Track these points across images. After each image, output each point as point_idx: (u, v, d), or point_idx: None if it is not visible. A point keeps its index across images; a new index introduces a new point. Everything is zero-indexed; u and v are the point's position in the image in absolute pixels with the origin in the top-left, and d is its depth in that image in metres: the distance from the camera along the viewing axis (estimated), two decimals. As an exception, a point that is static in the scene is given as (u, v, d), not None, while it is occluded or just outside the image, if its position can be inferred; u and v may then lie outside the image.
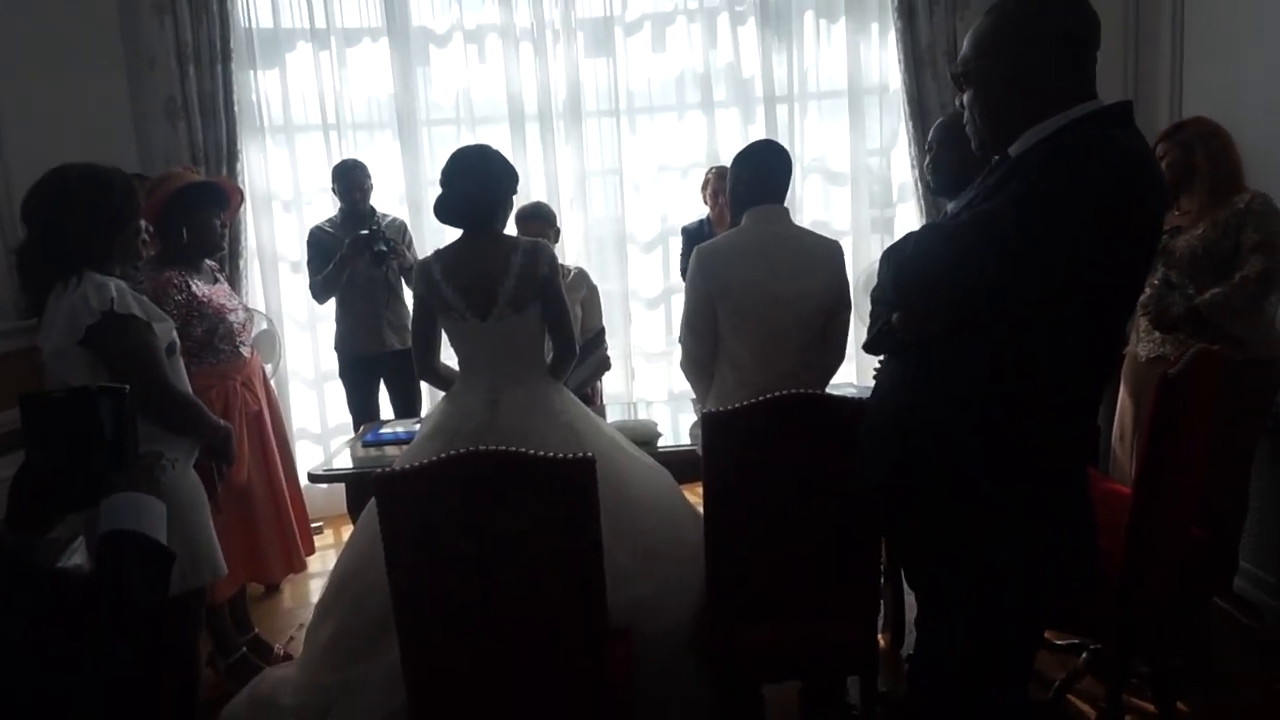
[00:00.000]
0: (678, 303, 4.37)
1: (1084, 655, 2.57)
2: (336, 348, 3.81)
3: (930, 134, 2.41)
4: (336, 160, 4.05)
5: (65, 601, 1.06)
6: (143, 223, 2.14)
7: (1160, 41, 3.51)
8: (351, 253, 3.51)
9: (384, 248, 3.52)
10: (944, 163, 2.31)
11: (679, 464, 2.48)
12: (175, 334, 2.12)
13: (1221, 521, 2.63)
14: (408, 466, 1.69)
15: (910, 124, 4.03)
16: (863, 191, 4.37)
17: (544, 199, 3.97)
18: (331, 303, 3.75)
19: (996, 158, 1.54)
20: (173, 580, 1.95)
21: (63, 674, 0.99)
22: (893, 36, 4.03)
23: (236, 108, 3.93)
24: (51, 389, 1.25)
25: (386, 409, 3.87)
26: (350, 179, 3.66)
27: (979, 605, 1.51)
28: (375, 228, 3.53)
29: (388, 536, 1.65)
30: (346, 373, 3.81)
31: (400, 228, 3.80)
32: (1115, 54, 3.59)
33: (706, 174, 4.09)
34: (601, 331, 3.19)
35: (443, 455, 1.67)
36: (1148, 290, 2.65)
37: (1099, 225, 1.32)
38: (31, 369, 3.17)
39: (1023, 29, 1.43)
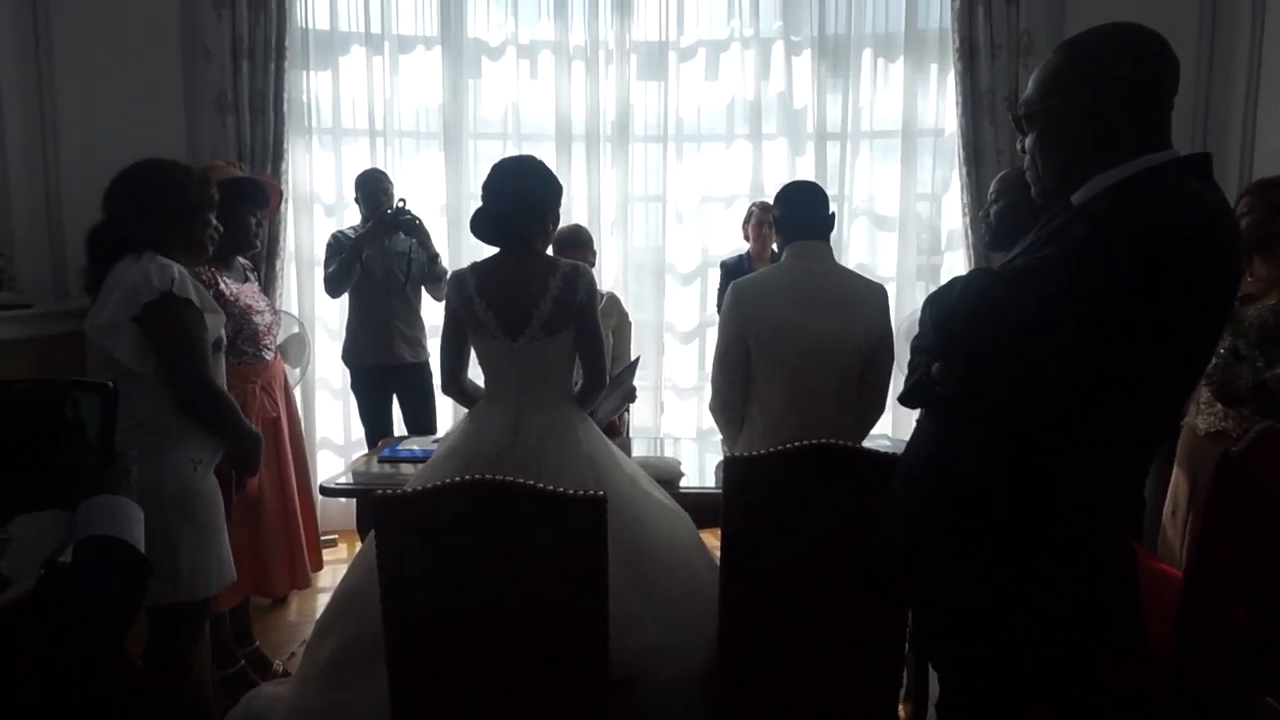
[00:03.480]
0: (713, 337, 4.28)
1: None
2: (344, 358, 3.77)
3: (992, 186, 2.31)
4: (381, 166, 4.05)
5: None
6: (212, 217, 2.16)
7: (1233, 92, 3.38)
8: (378, 229, 3.48)
9: (413, 218, 3.50)
10: (1002, 216, 2.21)
11: (701, 507, 2.36)
12: (224, 330, 2.12)
13: (1276, 613, 2.45)
14: (408, 490, 1.60)
15: (964, 169, 3.92)
16: (910, 237, 4.26)
17: (585, 222, 3.90)
18: (347, 313, 3.71)
19: (1057, 206, 1.43)
20: (181, 587, 1.94)
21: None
22: (952, 78, 3.94)
23: (286, 107, 3.93)
24: (14, 380, 1.20)
25: (401, 423, 3.81)
26: (376, 184, 3.64)
27: (1009, 690, 1.39)
28: (401, 203, 3.52)
29: (384, 562, 1.57)
30: (357, 385, 3.76)
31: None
32: (1186, 102, 3.45)
33: (750, 207, 4.01)
34: (636, 361, 3.10)
35: (450, 480, 1.59)
36: (1213, 360, 2.50)
37: (1167, 282, 1.21)
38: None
39: (1094, 68, 1.33)
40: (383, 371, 3.66)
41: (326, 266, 3.63)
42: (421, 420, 3.72)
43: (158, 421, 1.96)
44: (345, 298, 3.69)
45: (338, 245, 3.61)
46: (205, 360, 2.01)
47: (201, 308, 1.99)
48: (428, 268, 3.66)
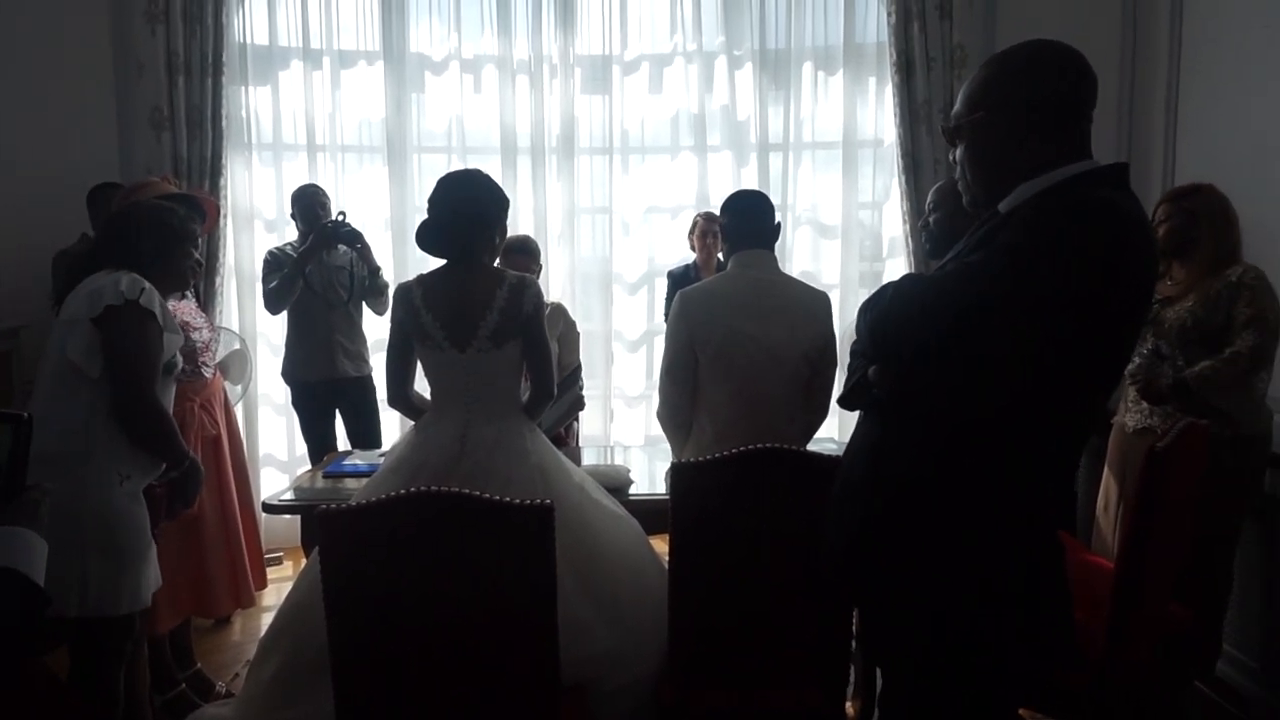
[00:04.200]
0: (660, 345, 4.31)
1: (1058, 734, 2.46)
2: (284, 374, 3.70)
3: (930, 196, 2.38)
4: (323, 181, 4.01)
5: None
6: (193, 249, 2.22)
7: (1154, 105, 3.52)
8: (318, 242, 3.44)
9: (353, 230, 3.48)
10: (940, 226, 2.27)
11: (650, 513, 2.38)
12: (178, 355, 2.13)
13: (1204, 602, 2.55)
14: (351, 504, 1.59)
15: (904, 178, 4.01)
16: (853, 245, 4.34)
17: (531, 234, 3.91)
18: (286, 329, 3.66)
19: (986, 214, 1.48)
20: (86, 603, 1.89)
21: None
22: (889, 91, 4.03)
23: (224, 122, 3.87)
24: None
25: (344, 439, 3.76)
26: (312, 199, 3.60)
27: (947, 680, 1.43)
28: (340, 215, 3.50)
29: (328, 578, 1.55)
30: (299, 401, 3.70)
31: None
32: (1109, 116, 3.59)
33: (695, 218, 4.06)
34: (578, 369, 3.11)
35: (395, 492, 1.58)
36: (1136, 360, 2.60)
37: (1086, 286, 1.26)
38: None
39: (1017, 84, 1.39)
40: (325, 386, 3.60)
41: (265, 283, 3.57)
42: (365, 435, 3.67)
43: (89, 428, 1.94)
44: (284, 314, 3.64)
45: (275, 261, 3.55)
46: (153, 374, 2.01)
47: (163, 326, 2.03)
48: (369, 281, 3.62)
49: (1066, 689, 1.97)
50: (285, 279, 3.47)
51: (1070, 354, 1.32)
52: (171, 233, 2.14)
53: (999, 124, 1.40)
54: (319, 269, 3.54)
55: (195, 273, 2.26)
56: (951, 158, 1.55)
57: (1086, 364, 1.35)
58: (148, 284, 2.02)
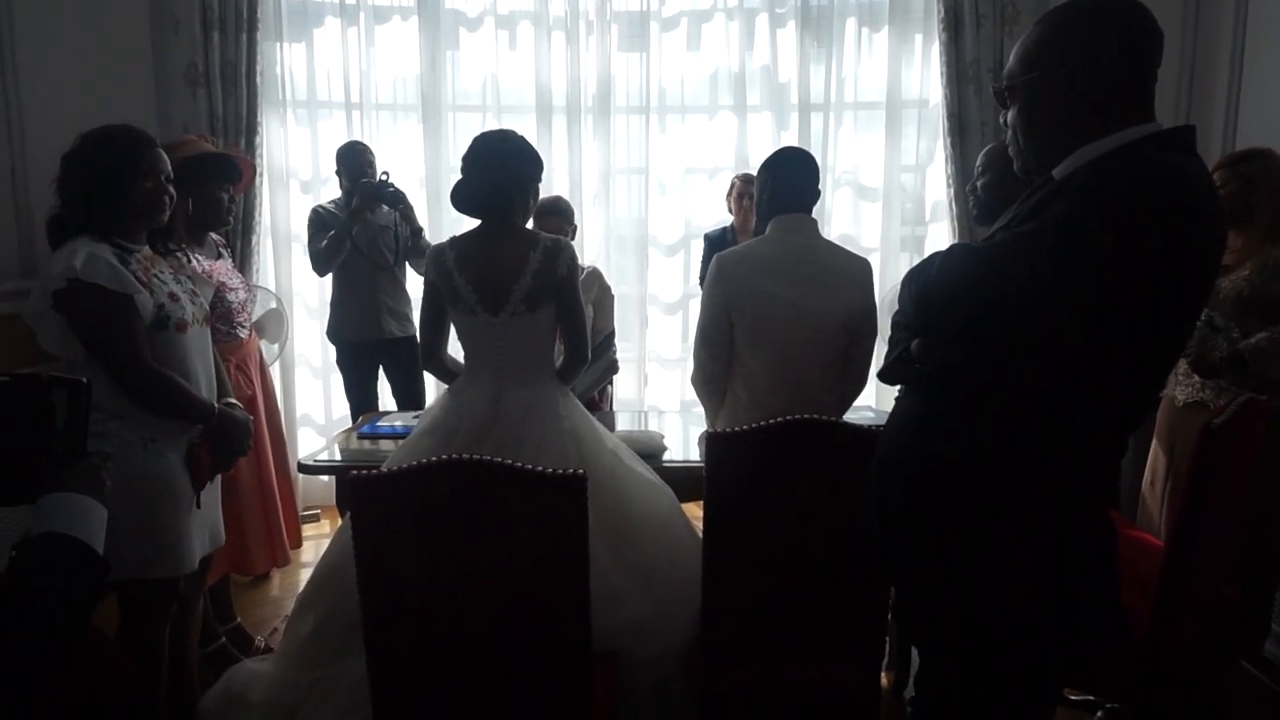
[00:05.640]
0: (696, 309, 4.26)
1: (1099, 714, 2.43)
2: (330, 335, 3.71)
3: (978, 160, 2.29)
4: (358, 140, 3.98)
5: None
6: (165, 185, 2.00)
7: (1218, 62, 3.35)
8: (363, 202, 3.42)
9: (397, 191, 3.45)
10: (988, 191, 2.18)
11: (684, 480, 2.36)
12: (176, 308, 2.00)
13: (1254, 581, 2.48)
14: (386, 470, 1.58)
15: (949, 140, 3.89)
16: (894, 208, 4.23)
17: (566, 195, 3.86)
18: (330, 288, 3.66)
19: (1039, 180, 1.41)
20: (128, 567, 1.89)
21: None
22: (936, 49, 3.90)
23: (259, 79, 3.84)
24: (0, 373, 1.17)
25: (387, 399, 3.77)
26: (359, 157, 3.58)
27: (987, 661, 1.39)
28: (384, 175, 3.47)
29: (360, 541, 1.55)
30: (344, 361, 3.71)
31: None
32: (1169, 77, 3.43)
33: (733, 180, 3.97)
34: (611, 334, 3.08)
35: (428, 459, 1.57)
36: (1191, 331, 2.50)
37: (1149, 257, 1.19)
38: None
39: (1075, 40, 1.30)
40: (370, 346, 3.61)
41: (312, 244, 3.55)
42: (409, 395, 3.69)
43: (104, 402, 1.90)
44: (327, 276, 3.64)
45: (320, 221, 3.54)
46: (128, 343, 1.90)
47: (121, 289, 1.87)
48: (411, 242, 3.60)
49: (1110, 669, 1.93)
50: (333, 239, 3.46)
51: (1128, 330, 1.25)
52: (104, 175, 1.92)
53: (1055, 84, 1.33)
54: (364, 229, 3.53)
55: (160, 204, 2.00)
56: (1002, 120, 1.48)
57: (1145, 341, 1.29)
58: (84, 250, 1.86)
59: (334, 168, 3.68)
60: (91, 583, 1.07)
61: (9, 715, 0.93)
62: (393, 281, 3.61)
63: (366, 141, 3.91)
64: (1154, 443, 2.76)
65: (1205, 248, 1.26)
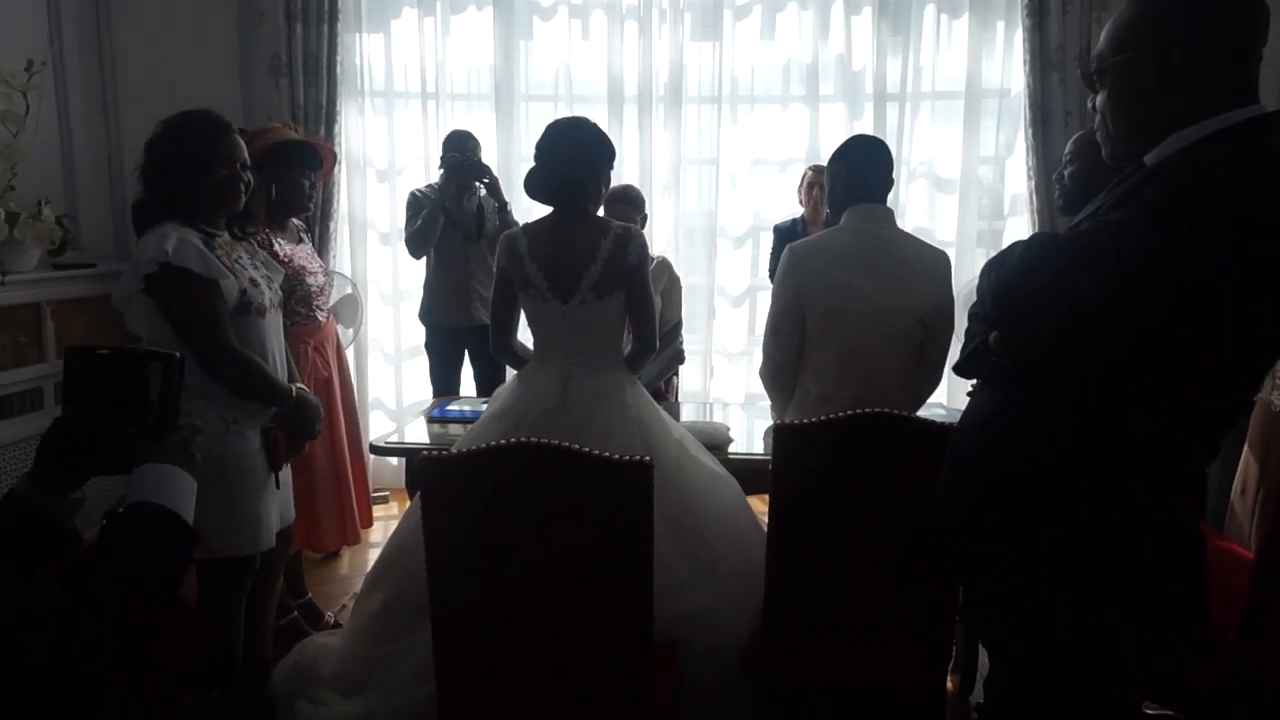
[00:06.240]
0: (764, 301, 4.21)
1: (1177, 728, 2.33)
2: (422, 317, 3.76)
3: (1066, 148, 2.21)
4: (433, 129, 4.05)
5: (68, 563, 1.00)
6: (241, 172, 2.04)
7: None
8: (449, 176, 3.46)
9: (481, 163, 3.48)
10: (1075, 181, 2.11)
11: (749, 473, 2.34)
12: (257, 293, 2.05)
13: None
14: (454, 451, 1.60)
15: (1030, 132, 3.77)
16: (971, 201, 4.12)
17: (636, 184, 3.86)
18: (419, 275, 3.72)
19: (1129, 168, 1.35)
20: (208, 544, 1.91)
21: (48, 631, 0.94)
22: (1019, 36, 3.78)
23: (339, 69, 3.94)
24: (99, 345, 1.21)
25: (468, 384, 3.82)
26: (464, 144, 3.59)
27: (1061, 670, 1.34)
28: (469, 148, 3.50)
29: (429, 523, 1.57)
30: (432, 343, 3.75)
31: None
32: (1272, 52, 3.25)
33: (805, 171, 3.92)
34: (678, 324, 3.07)
35: (497, 442, 1.59)
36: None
37: (1248, 247, 1.13)
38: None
39: (1172, 19, 1.23)
40: (459, 332, 3.66)
41: (408, 225, 3.59)
42: (493, 383, 3.69)
43: (190, 383, 1.93)
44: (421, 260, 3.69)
45: (418, 203, 3.58)
46: (215, 326, 1.95)
47: (208, 274, 1.93)
48: (499, 216, 3.61)
49: (1192, 682, 1.85)
50: (426, 220, 3.50)
51: (1223, 328, 1.19)
52: (180, 162, 1.95)
53: (1148, 66, 1.26)
54: (456, 213, 3.57)
55: (235, 191, 2.02)
56: (1091, 105, 1.41)
57: (1241, 338, 1.22)
58: (174, 236, 1.91)
59: (419, 155, 3.72)
60: (181, 552, 1.11)
61: (101, 679, 0.97)
62: (483, 266, 3.62)
63: (439, 130, 3.97)
64: (1245, 449, 2.63)
65: None
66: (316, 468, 2.77)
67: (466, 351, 3.74)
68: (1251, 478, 2.57)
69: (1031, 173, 3.79)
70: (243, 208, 2.10)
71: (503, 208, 3.62)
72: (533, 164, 2.24)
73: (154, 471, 1.13)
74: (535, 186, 2.24)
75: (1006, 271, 1.33)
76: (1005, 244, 3.98)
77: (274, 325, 2.14)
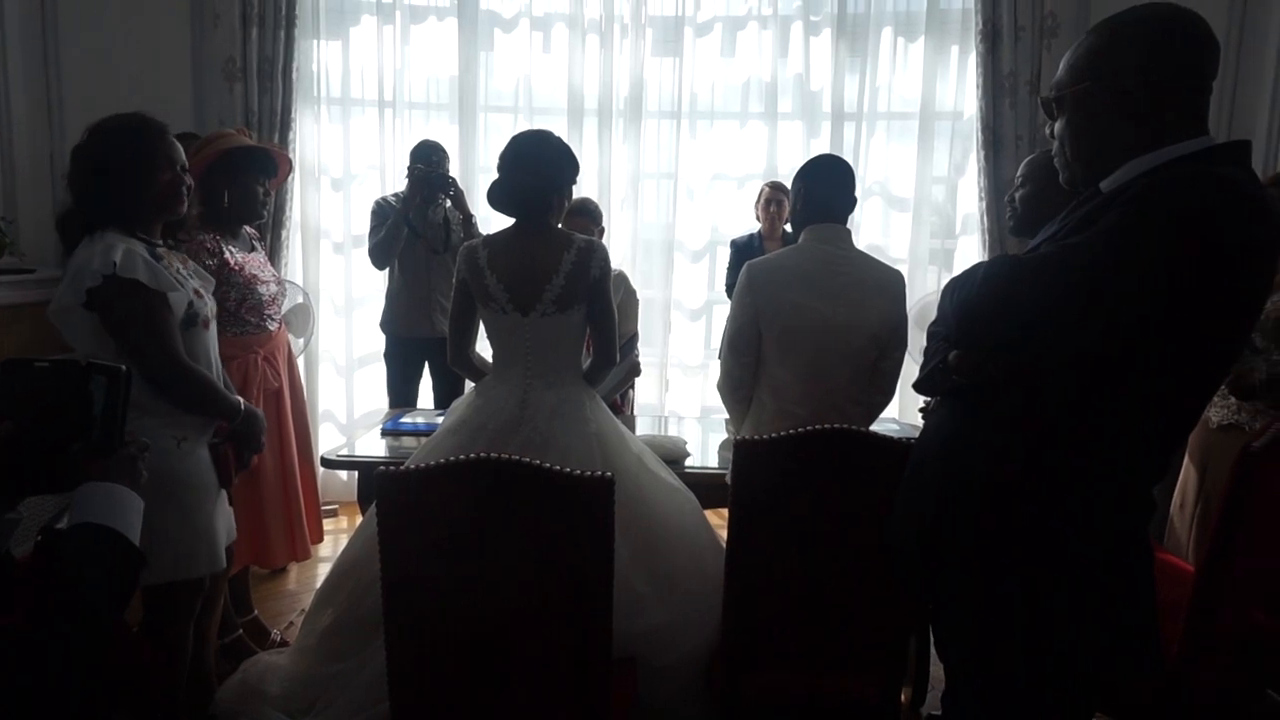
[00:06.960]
0: (720, 315, 4.24)
1: (1122, 739, 2.38)
2: (383, 326, 3.69)
3: (1019, 169, 2.25)
4: (390, 138, 4.00)
5: (4, 587, 0.96)
6: (182, 175, 1.95)
7: (1263, 76, 3.30)
8: (413, 188, 3.41)
9: (446, 174, 3.44)
10: (1026, 203, 2.15)
11: (705, 487, 2.34)
12: (201, 305, 1.98)
13: (1286, 609, 2.42)
14: (412, 467, 1.57)
15: (982, 154, 3.86)
16: (924, 220, 4.20)
17: (595, 197, 3.86)
18: (373, 284, 3.66)
19: (1086, 193, 1.38)
20: (165, 568, 1.86)
21: None
22: (973, 61, 3.87)
23: (295, 75, 3.88)
24: (38, 357, 1.15)
25: (426, 397, 3.76)
26: (430, 156, 3.54)
27: (1017, 683, 1.36)
28: (435, 160, 3.46)
29: (384, 539, 1.54)
30: (392, 353, 3.69)
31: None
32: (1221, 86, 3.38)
33: (762, 187, 3.96)
34: (634, 338, 3.06)
35: (455, 457, 1.56)
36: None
37: (1204, 273, 1.16)
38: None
39: (1129, 50, 1.27)
40: (419, 343, 3.61)
41: (372, 235, 3.53)
42: (451, 395, 3.66)
43: (139, 400, 1.81)
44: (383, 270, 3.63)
45: (382, 212, 3.53)
46: (165, 340, 1.86)
47: (158, 286, 1.84)
48: (463, 229, 3.57)
49: (1137, 695, 1.89)
50: (389, 230, 3.45)
51: (1177, 349, 1.23)
52: (119, 167, 1.83)
53: (1107, 95, 1.30)
54: (424, 225, 3.52)
55: (178, 195, 1.93)
56: (1048, 131, 1.44)
57: (1194, 360, 1.26)
58: (121, 244, 1.81)
59: (376, 164, 3.66)
60: (129, 577, 1.06)
61: (46, 706, 0.92)
62: (447, 276, 3.57)
63: (398, 140, 3.93)
64: (1185, 464, 2.70)
65: (1260, 265, 1.23)
66: (265, 482, 2.70)
67: (426, 363, 3.69)
68: (1190, 491, 2.65)
69: (983, 194, 3.88)
70: (183, 213, 2.00)
71: (468, 220, 3.59)
72: (494, 175, 2.23)
73: (99, 491, 1.08)
74: (498, 198, 2.22)
75: (969, 293, 1.35)
76: (957, 262, 4.13)
77: (214, 337, 2.06)
